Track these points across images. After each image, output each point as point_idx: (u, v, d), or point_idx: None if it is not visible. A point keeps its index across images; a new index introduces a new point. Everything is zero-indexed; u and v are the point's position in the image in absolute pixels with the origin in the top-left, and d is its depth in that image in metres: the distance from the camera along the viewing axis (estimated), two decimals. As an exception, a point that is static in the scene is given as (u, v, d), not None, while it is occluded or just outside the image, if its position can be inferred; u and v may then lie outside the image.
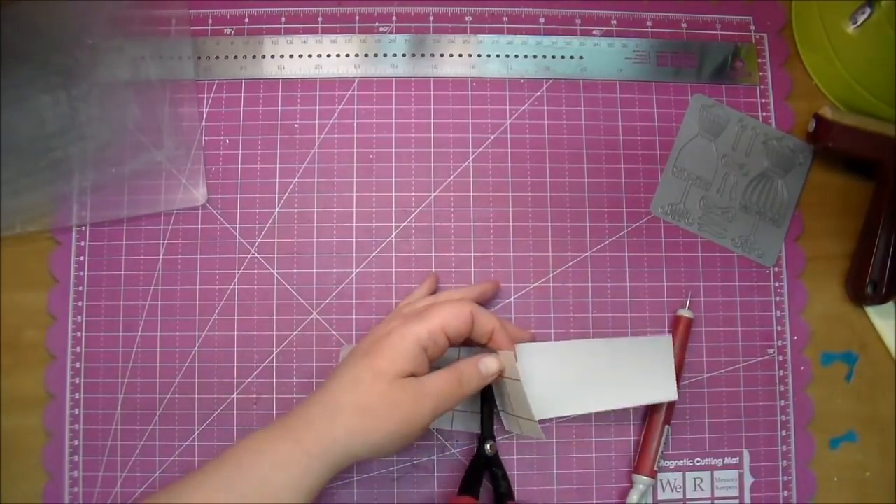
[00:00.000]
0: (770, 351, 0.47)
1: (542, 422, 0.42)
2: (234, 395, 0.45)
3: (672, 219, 0.48)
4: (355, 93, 0.48)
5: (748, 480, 0.46)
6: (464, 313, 0.39)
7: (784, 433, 0.47)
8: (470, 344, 0.42)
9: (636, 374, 0.43)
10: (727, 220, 0.48)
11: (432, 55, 0.49)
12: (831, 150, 0.47)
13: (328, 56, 0.49)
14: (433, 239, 0.47)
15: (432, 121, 0.48)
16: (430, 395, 0.37)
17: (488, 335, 0.40)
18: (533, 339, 0.45)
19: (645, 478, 0.44)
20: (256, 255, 0.47)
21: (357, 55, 0.49)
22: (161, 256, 0.47)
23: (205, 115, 0.48)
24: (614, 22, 0.50)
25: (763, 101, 0.50)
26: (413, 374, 0.37)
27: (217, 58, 0.48)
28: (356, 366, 0.37)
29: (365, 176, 0.48)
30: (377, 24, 0.49)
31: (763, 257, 0.48)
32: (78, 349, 0.46)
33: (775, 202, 0.48)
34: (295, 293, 0.46)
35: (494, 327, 0.40)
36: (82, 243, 0.47)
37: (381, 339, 0.38)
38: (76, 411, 0.45)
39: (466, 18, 0.50)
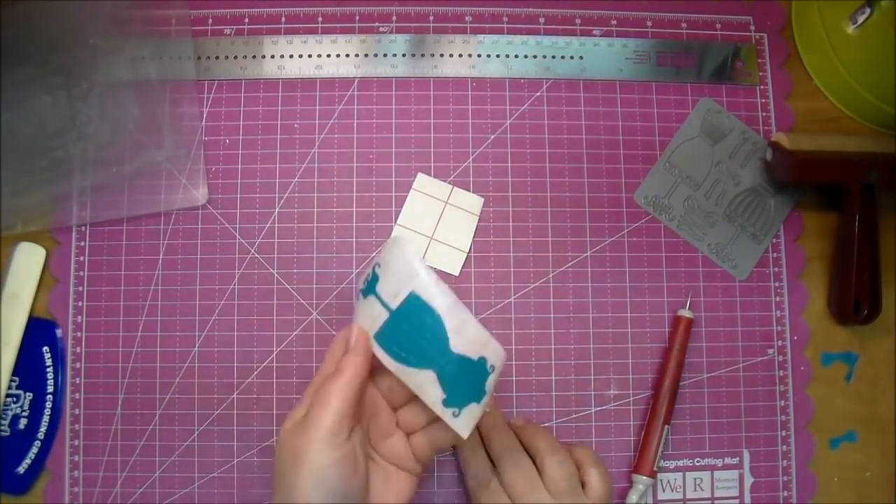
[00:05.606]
0: (770, 351, 0.47)
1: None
2: (234, 395, 0.45)
3: (653, 211, 0.48)
4: (355, 93, 0.48)
5: (748, 480, 0.46)
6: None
7: (784, 433, 0.47)
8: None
9: None
10: (709, 224, 0.48)
11: (432, 55, 0.49)
12: (791, 185, 0.48)
13: (328, 56, 0.49)
14: (433, 239, 0.47)
15: (432, 121, 0.48)
16: (306, 421, 0.34)
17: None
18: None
19: (644, 478, 0.44)
20: (256, 255, 0.47)
21: (357, 55, 0.49)
22: (161, 256, 0.47)
23: (205, 115, 0.48)
24: (614, 22, 0.50)
25: (763, 101, 0.50)
26: None
27: (217, 58, 0.48)
28: None
29: (365, 176, 0.48)
30: (377, 24, 0.49)
31: (736, 269, 0.48)
32: (78, 349, 0.46)
33: (760, 218, 0.48)
34: (295, 293, 0.46)
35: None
36: (82, 243, 0.47)
37: None
38: (76, 411, 0.45)
39: (466, 18, 0.50)
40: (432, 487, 0.45)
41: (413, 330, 0.35)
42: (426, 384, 0.35)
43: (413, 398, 0.37)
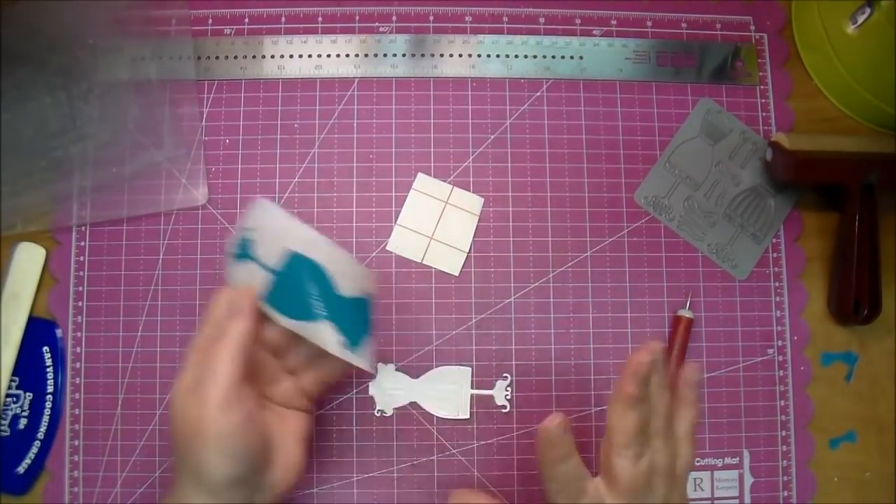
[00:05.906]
0: (770, 351, 0.47)
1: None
2: (234, 395, 0.45)
3: (653, 211, 0.48)
4: (355, 93, 0.48)
5: (748, 480, 0.46)
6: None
7: (784, 433, 0.47)
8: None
9: None
10: (709, 224, 0.48)
11: (432, 55, 0.49)
12: (791, 185, 0.48)
13: (328, 56, 0.49)
14: (433, 239, 0.47)
15: (432, 121, 0.48)
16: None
17: None
18: None
19: (645, 478, 0.44)
20: (256, 255, 0.47)
21: (357, 55, 0.49)
22: (161, 256, 0.47)
23: (205, 115, 0.48)
24: (614, 22, 0.50)
25: (763, 101, 0.50)
26: None
27: (217, 58, 0.48)
28: None
29: (365, 176, 0.48)
30: (377, 24, 0.49)
31: (736, 269, 0.48)
32: (78, 349, 0.46)
33: (760, 218, 0.48)
34: (295, 293, 0.46)
35: None
36: (82, 243, 0.47)
37: None
38: (76, 411, 0.45)
39: (466, 18, 0.50)
40: (432, 487, 0.45)
41: (300, 286, 0.35)
42: (325, 334, 0.35)
43: (293, 342, 0.38)
